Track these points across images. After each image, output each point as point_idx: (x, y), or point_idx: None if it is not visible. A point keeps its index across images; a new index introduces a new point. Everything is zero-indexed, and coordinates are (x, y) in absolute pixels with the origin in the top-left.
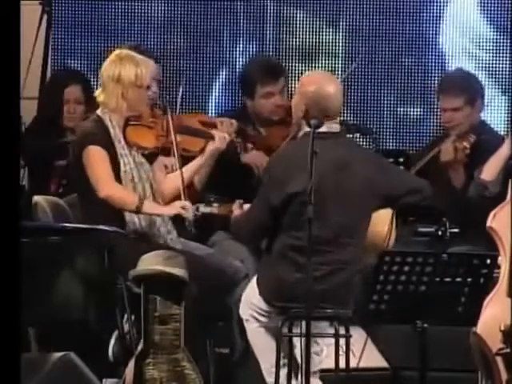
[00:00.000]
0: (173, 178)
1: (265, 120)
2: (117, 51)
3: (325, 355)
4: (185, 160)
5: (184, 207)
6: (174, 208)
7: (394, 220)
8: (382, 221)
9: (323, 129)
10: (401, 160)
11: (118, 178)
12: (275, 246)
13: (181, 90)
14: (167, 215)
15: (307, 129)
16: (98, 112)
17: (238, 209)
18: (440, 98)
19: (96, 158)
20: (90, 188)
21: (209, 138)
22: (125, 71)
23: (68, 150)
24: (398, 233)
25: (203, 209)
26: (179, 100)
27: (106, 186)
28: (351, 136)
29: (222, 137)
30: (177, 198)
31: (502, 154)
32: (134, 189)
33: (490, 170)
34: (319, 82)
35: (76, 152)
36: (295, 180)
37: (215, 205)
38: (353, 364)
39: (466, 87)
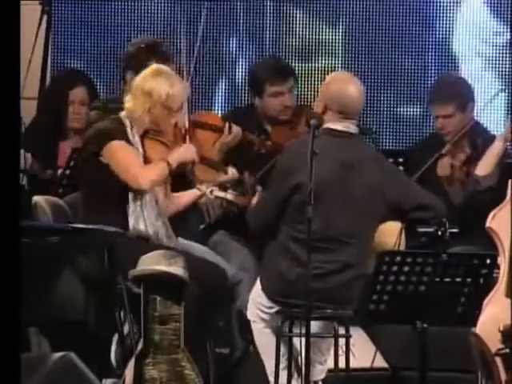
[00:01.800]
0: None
1: (272, 119)
2: (155, 65)
3: (328, 365)
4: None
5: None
6: (192, 152)
7: (403, 232)
8: (390, 232)
9: (339, 127)
10: (400, 160)
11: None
12: (278, 238)
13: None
14: (189, 159)
15: (327, 124)
16: (121, 114)
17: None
18: (432, 106)
19: (123, 151)
20: (97, 188)
21: (221, 171)
22: (158, 89)
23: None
24: (407, 244)
25: (217, 193)
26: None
27: (144, 176)
28: None
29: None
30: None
31: (494, 149)
32: (142, 194)
33: (483, 166)
34: (341, 81)
35: (92, 148)
36: (300, 171)
37: (231, 191)
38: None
39: (456, 93)
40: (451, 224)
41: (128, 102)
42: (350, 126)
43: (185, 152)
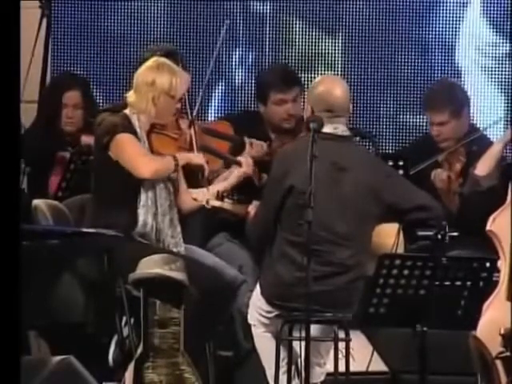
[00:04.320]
0: (195, 195)
1: (276, 127)
2: (155, 58)
3: (327, 368)
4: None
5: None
6: (201, 158)
7: (401, 233)
8: (387, 233)
9: (327, 129)
10: (400, 163)
11: None
12: (275, 243)
13: (200, 95)
14: (196, 163)
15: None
16: (126, 111)
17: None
18: (426, 113)
19: (129, 142)
20: (106, 185)
21: (232, 163)
22: (160, 78)
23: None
24: (406, 246)
25: (214, 202)
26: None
27: (147, 164)
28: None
29: (249, 163)
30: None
31: (494, 150)
32: (154, 191)
33: (482, 166)
34: (325, 83)
35: (102, 143)
36: (292, 174)
37: (227, 201)
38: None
39: (450, 100)
40: (451, 227)
41: (131, 96)
42: (338, 127)
43: (194, 156)
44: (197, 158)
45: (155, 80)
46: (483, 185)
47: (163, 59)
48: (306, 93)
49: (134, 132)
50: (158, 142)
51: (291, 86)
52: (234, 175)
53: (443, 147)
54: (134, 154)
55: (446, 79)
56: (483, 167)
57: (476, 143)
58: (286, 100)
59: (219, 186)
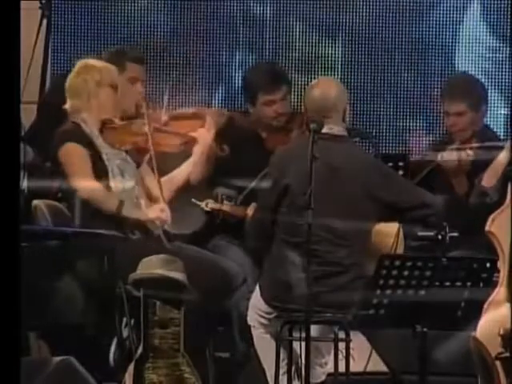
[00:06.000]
0: (172, 178)
1: (266, 126)
2: (78, 63)
3: (329, 368)
4: (161, 156)
5: (163, 210)
6: (153, 211)
7: (401, 232)
8: (387, 232)
9: (322, 129)
10: (400, 164)
11: (104, 174)
12: (274, 244)
13: (167, 91)
14: (145, 219)
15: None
16: (71, 119)
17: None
18: (444, 102)
19: (72, 155)
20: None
21: (189, 139)
22: (89, 76)
23: None
24: (405, 244)
25: (212, 205)
26: (165, 100)
27: (84, 185)
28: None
29: (203, 134)
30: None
31: (500, 160)
32: (123, 183)
33: (489, 177)
34: (319, 86)
35: (52, 155)
36: (288, 174)
37: (226, 202)
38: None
39: (470, 91)
40: (451, 228)
41: (68, 104)
42: (333, 128)
43: (144, 213)
44: (149, 213)
45: (85, 79)
46: (493, 198)
47: (85, 61)
48: (293, 95)
49: (83, 135)
50: (112, 135)
51: (279, 86)
52: (195, 153)
53: (455, 139)
54: (75, 171)
55: (467, 73)
56: (490, 178)
57: (487, 139)
58: (274, 100)
59: (183, 168)
